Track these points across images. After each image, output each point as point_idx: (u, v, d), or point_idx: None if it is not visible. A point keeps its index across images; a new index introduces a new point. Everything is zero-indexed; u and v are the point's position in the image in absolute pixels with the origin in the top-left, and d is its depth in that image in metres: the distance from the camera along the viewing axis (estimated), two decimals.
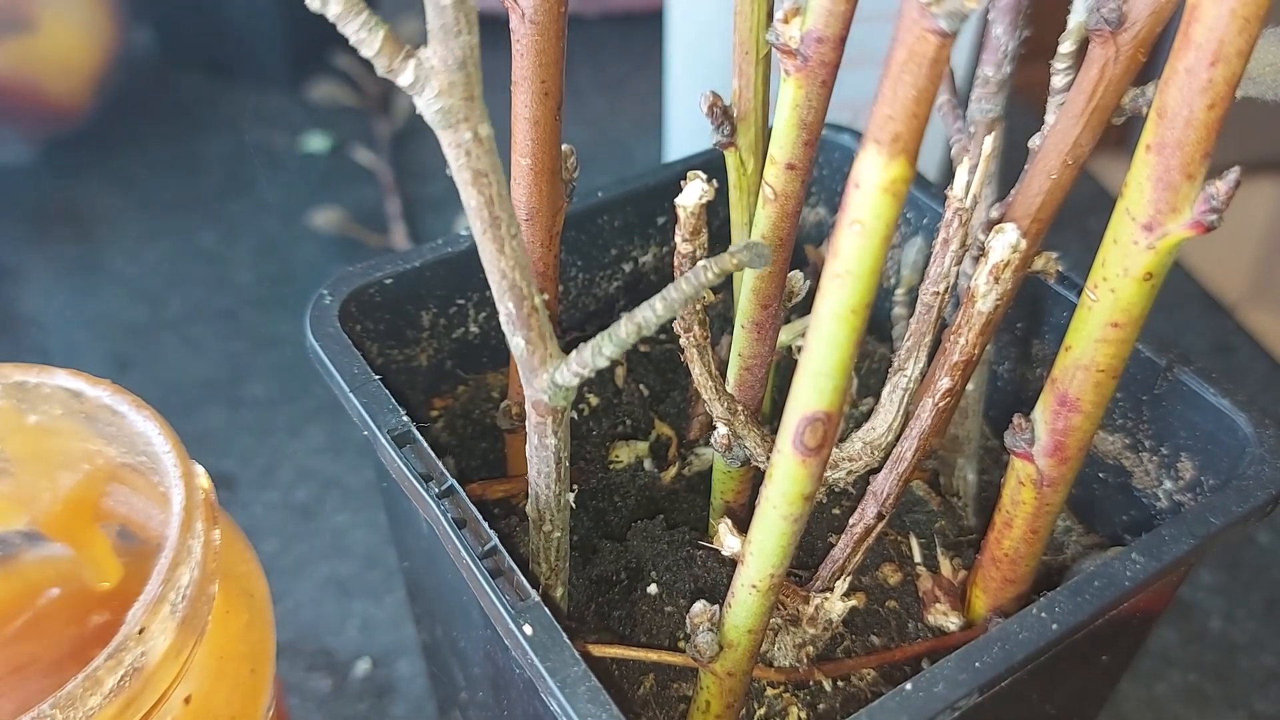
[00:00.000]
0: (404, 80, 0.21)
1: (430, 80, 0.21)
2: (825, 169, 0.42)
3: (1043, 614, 0.27)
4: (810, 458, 0.22)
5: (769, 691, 0.30)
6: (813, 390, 0.21)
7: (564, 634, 0.26)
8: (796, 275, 0.30)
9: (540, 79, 0.29)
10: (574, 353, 0.24)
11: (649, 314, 0.23)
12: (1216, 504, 0.29)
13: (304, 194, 0.72)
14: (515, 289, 0.23)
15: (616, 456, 0.37)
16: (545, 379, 0.25)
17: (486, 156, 0.22)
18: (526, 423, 0.26)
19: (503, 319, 0.24)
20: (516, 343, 0.24)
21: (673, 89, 0.61)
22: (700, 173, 0.26)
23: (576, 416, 0.38)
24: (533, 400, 0.25)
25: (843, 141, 0.42)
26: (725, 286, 0.36)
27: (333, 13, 0.20)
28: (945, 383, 0.29)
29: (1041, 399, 0.28)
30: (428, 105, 0.21)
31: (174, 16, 0.81)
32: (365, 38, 0.20)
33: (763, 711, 0.30)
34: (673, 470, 0.37)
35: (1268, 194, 1.31)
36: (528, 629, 0.26)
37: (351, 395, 0.31)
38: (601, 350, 0.23)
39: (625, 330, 0.23)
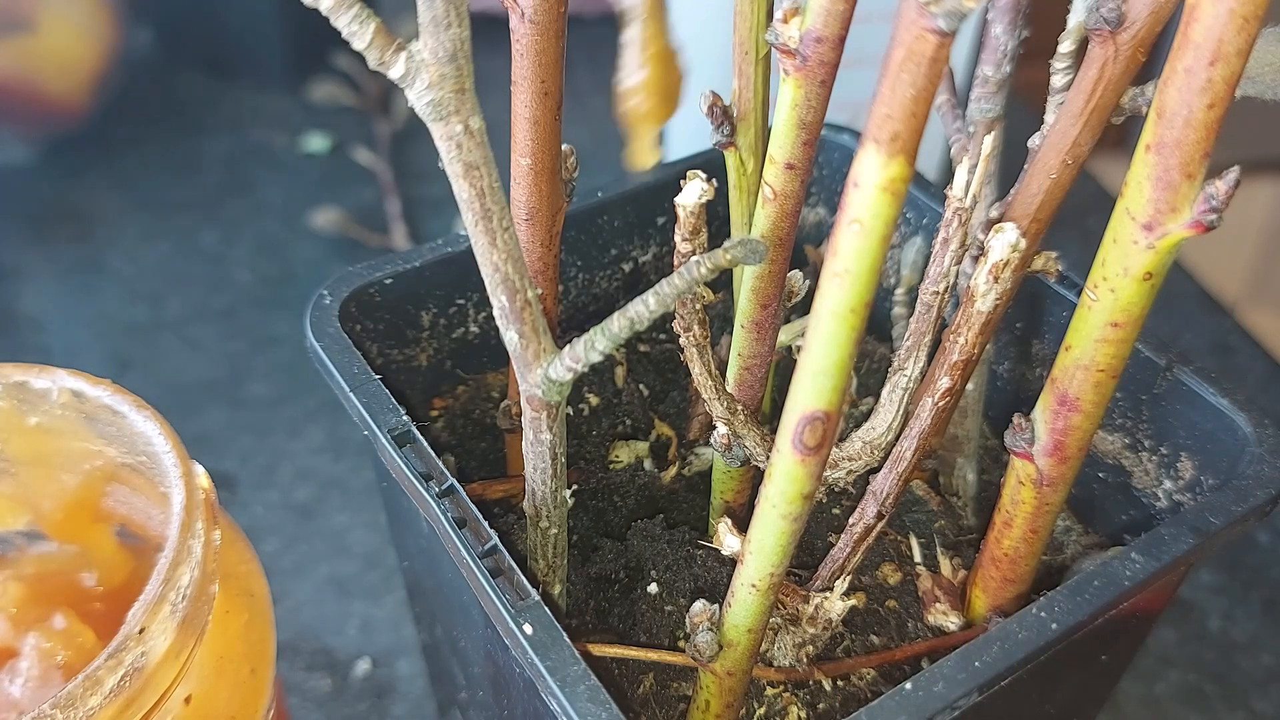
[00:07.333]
0: (395, 73, 0.21)
1: (421, 73, 0.21)
2: (825, 169, 0.42)
3: (1042, 614, 0.27)
4: (810, 457, 0.22)
5: (769, 691, 0.30)
6: (812, 389, 0.21)
7: (564, 633, 0.26)
8: (796, 275, 0.30)
9: (540, 79, 0.29)
10: (567, 347, 0.24)
11: (641, 308, 0.23)
12: (1216, 504, 0.29)
13: (304, 194, 0.72)
14: (508, 282, 0.23)
15: (616, 456, 0.37)
16: (539, 373, 0.25)
17: (478, 149, 0.22)
18: (523, 419, 0.26)
19: (496, 313, 0.24)
20: (510, 337, 0.24)
21: None
22: (700, 172, 0.26)
23: (577, 417, 0.38)
24: (527, 395, 0.25)
25: (842, 141, 0.42)
26: (725, 286, 0.36)
27: (325, 6, 0.20)
28: (945, 382, 0.29)
29: (1041, 399, 0.28)
30: (419, 98, 0.21)
31: (174, 16, 0.81)
32: (357, 30, 0.20)
33: (762, 711, 0.30)
34: (673, 470, 0.37)
35: (1268, 194, 1.31)
36: (528, 628, 0.26)
37: (351, 395, 0.31)
38: (594, 344, 0.23)
39: (618, 324, 0.23)
